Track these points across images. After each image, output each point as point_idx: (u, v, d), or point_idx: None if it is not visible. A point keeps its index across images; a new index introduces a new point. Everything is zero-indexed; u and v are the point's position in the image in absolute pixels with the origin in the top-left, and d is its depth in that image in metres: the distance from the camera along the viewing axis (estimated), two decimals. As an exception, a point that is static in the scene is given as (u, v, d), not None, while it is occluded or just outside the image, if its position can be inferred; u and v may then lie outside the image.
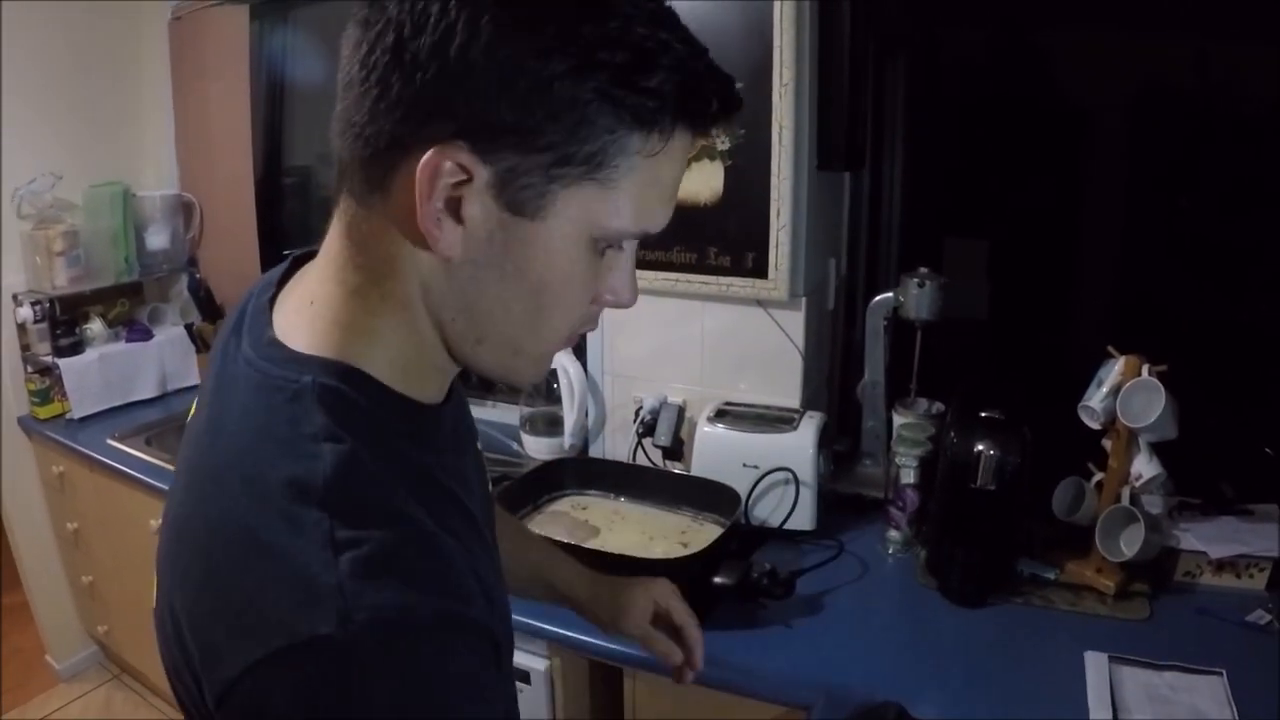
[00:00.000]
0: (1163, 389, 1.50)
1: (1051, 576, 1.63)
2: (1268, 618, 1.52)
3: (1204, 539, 1.63)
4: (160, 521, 0.70)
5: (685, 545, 1.58)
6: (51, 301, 2.69)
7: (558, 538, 1.54)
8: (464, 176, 0.58)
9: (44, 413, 2.72)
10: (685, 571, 1.48)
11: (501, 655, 0.63)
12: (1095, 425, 1.59)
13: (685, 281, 1.92)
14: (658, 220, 0.66)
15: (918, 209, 2.21)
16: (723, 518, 1.62)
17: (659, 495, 1.76)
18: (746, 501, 1.73)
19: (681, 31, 0.60)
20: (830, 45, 1.80)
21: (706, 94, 0.61)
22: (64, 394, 2.70)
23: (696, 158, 1.83)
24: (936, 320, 1.81)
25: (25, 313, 2.67)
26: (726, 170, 1.82)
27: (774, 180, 1.77)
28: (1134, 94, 2.05)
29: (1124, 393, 1.54)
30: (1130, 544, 1.55)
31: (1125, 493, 1.61)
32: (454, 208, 0.59)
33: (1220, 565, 1.62)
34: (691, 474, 1.81)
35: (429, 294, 0.64)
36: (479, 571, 0.64)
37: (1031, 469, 1.53)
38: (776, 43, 1.72)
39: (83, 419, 2.70)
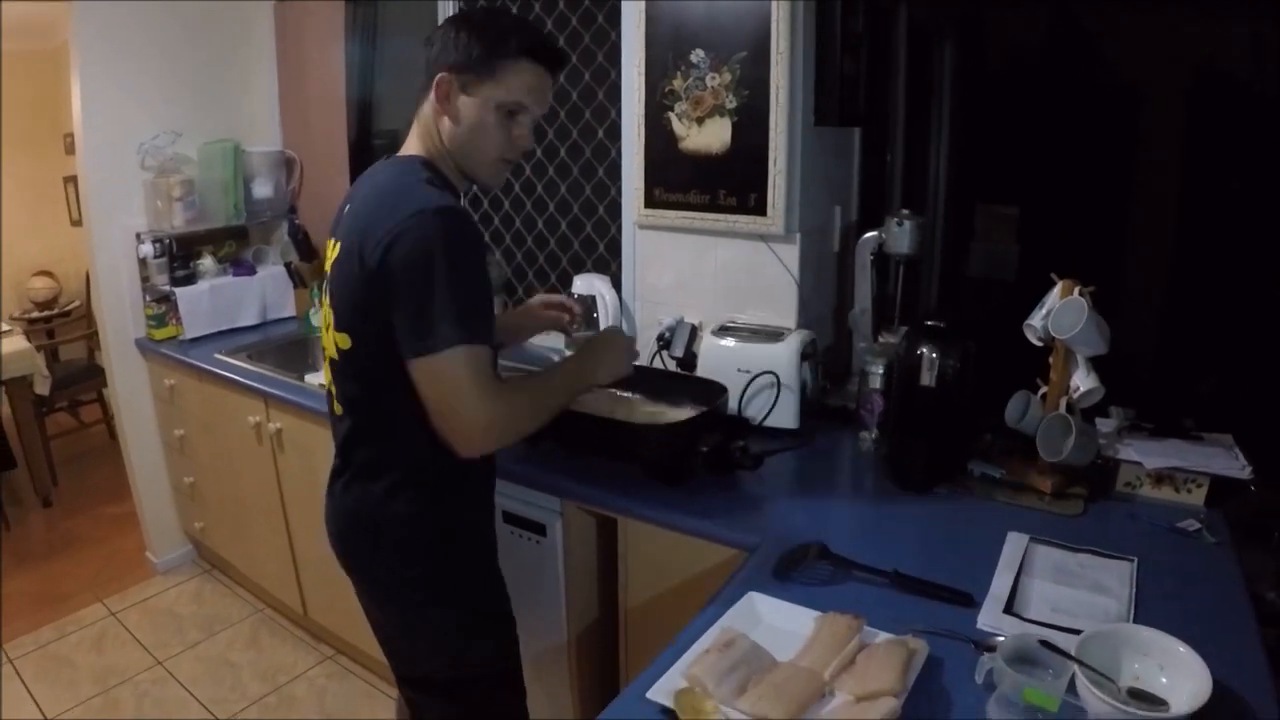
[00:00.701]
0: (1087, 305, 1.70)
1: (997, 475, 1.84)
2: (1198, 525, 1.63)
3: (1144, 453, 1.78)
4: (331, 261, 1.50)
5: (680, 423, 1.89)
6: (170, 240, 3.11)
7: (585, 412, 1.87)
8: (451, 84, 1.44)
9: (160, 334, 3.15)
10: (671, 434, 1.80)
11: None
12: (1035, 341, 1.80)
13: (700, 219, 2.23)
14: (527, 103, 1.47)
15: (958, 176, 2.32)
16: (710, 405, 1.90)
17: (668, 393, 2.05)
18: (740, 402, 2.02)
19: (529, 24, 1.54)
20: (824, 18, 2.09)
21: (537, 48, 1.45)
22: (178, 319, 3.12)
23: (709, 115, 2.15)
24: (915, 255, 2.07)
25: (146, 249, 3.10)
26: (734, 125, 2.13)
27: (771, 133, 2.07)
28: (1185, 75, 2.13)
29: (1056, 310, 1.74)
30: (1067, 447, 1.72)
31: (1063, 403, 1.80)
32: (448, 97, 1.45)
33: (1160, 478, 1.76)
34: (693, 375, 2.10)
35: (443, 133, 1.48)
36: None
37: (973, 372, 1.75)
38: (774, 17, 2.02)
39: (193, 340, 3.12)
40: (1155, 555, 1.52)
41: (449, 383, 1.32)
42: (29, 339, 4.28)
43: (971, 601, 1.39)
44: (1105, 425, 1.92)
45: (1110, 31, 2.21)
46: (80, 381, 4.62)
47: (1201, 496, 1.76)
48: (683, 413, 1.93)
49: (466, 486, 1.57)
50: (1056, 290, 1.79)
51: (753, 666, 1.20)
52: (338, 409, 1.54)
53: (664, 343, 2.24)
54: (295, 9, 3.27)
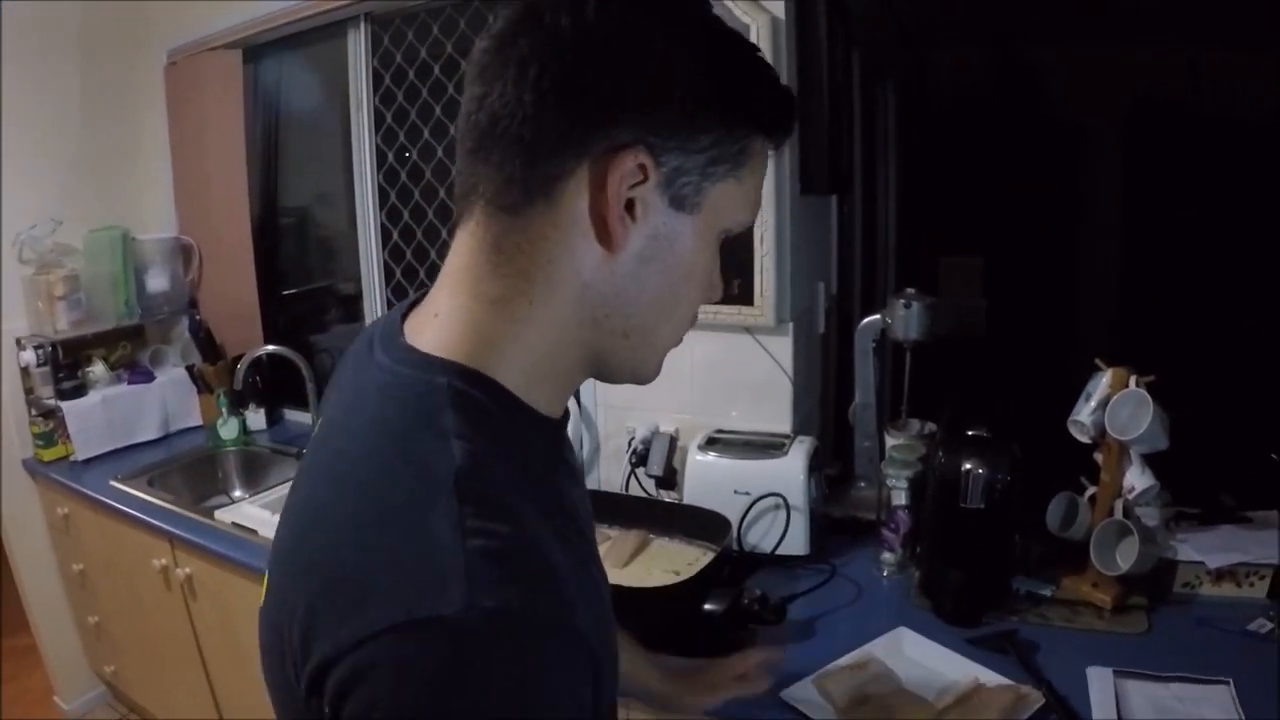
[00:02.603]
0: (1150, 400, 1.48)
1: (1047, 593, 1.61)
2: (1269, 625, 1.49)
3: (1202, 549, 1.61)
4: (276, 532, 0.72)
5: (678, 573, 1.58)
6: (54, 345, 2.71)
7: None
8: (641, 177, 0.64)
9: (48, 455, 2.74)
10: (676, 599, 1.48)
11: (602, 677, 0.62)
12: (1085, 439, 1.58)
13: (671, 310, 1.92)
14: (755, 214, 0.74)
15: (913, 230, 2.21)
16: (715, 545, 1.61)
17: (652, 524, 1.74)
18: (739, 528, 1.73)
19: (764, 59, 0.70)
20: (808, 71, 1.81)
21: (789, 108, 0.71)
22: (68, 436, 2.71)
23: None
24: (925, 340, 1.81)
25: (28, 356, 2.70)
26: (710, 199, 1.83)
27: (757, 208, 1.78)
28: (1126, 106, 2.05)
29: (1112, 405, 1.53)
30: (1125, 557, 1.53)
31: (1119, 506, 1.59)
32: (629, 206, 0.65)
33: (1220, 575, 1.59)
34: (683, 502, 1.81)
35: (589, 291, 0.67)
36: (587, 592, 0.64)
37: (1021, 486, 1.52)
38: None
39: (86, 461, 2.72)
40: (1243, 669, 1.38)
41: None
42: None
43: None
44: (1150, 517, 1.69)
45: (1053, 68, 2.14)
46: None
47: (1264, 589, 1.58)
48: (677, 551, 1.63)
49: None
50: (1105, 379, 1.57)
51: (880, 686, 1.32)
52: None
53: (638, 459, 1.92)
54: (189, 69, 2.89)
